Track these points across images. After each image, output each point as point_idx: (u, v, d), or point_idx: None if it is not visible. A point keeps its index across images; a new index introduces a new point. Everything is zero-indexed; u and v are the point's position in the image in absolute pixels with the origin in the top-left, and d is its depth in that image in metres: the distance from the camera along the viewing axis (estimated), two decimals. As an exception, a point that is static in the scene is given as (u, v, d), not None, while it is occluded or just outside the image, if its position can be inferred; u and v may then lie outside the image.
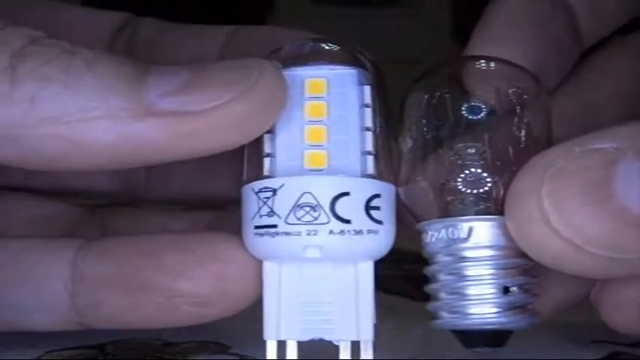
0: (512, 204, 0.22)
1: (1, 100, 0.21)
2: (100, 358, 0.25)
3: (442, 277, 0.23)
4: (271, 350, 0.23)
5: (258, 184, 0.23)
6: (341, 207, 0.22)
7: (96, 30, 0.30)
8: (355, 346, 0.23)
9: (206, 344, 0.26)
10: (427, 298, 0.24)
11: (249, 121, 0.22)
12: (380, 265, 0.24)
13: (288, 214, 0.22)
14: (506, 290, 0.23)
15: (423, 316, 0.24)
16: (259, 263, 0.23)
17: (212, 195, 0.29)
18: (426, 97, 0.24)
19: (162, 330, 0.27)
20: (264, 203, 0.23)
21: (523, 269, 0.23)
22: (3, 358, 0.25)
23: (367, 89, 0.24)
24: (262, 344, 0.26)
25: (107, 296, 0.24)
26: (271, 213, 0.22)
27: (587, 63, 0.29)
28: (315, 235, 0.22)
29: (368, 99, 0.23)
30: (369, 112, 0.23)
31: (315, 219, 0.22)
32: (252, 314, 0.23)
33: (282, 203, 0.22)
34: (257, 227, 0.23)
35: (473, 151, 0.23)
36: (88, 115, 0.21)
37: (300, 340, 0.23)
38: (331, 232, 0.22)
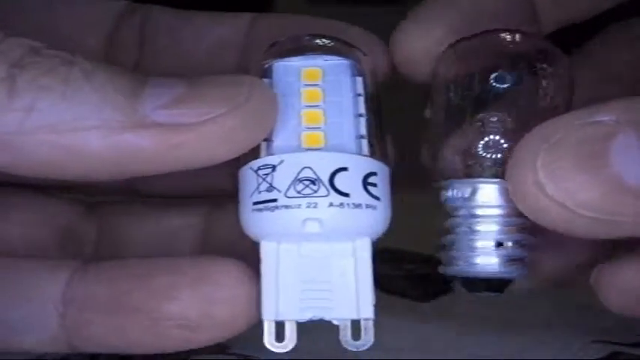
0: (512, 172, 0.23)
1: None
2: (99, 358, 0.25)
3: (454, 230, 0.24)
4: (269, 331, 0.23)
5: (257, 163, 0.23)
6: (339, 181, 0.23)
7: (97, 18, 0.30)
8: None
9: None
10: (427, 298, 0.24)
11: (238, 135, 0.22)
12: (380, 265, 0.23)
13: (288, 188, 0.22)
14: (502, 244, 0.24)
15: (423, 316, 0.24)
16: (251, 288, 0.23)
17: (209, 187, 0.29)
18: (454, 66, 0.25)
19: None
20: (264, 179, 0.23)
21: (522, 227, 0.24)
22: (3, 358, 0.25)
23: (359, 80, 0.24)
24: (263, 344, 0.26)
25: (95, 318, 0.24)
26: (271, 188, 0.23)
27: (584, 48, 0.29)
28: (315, 207, 0.22)
29: (360, 89, 0.24)
30: (361, 100, 0.24)
31: (315, 192, 0.22)
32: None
33: (282, 178, 0.23)
34: (256, 203, 0.23)
35: (495, 119, 0.24)
36: (81, 125, 0.21)
37: (299, 319, 0.23)
38: (331, 204, 0.22)
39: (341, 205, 0.22)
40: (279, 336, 0.23)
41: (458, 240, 0.24)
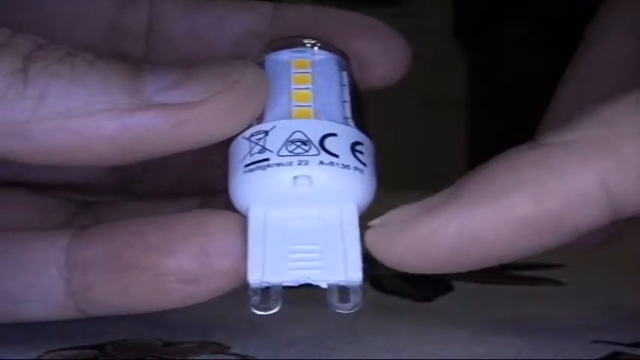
0: None
1: (14, 98, 0.22)
2: (100, 358, 0.25)
3: None
4: (254, 296, 0.23)
5: (249, 131, 0.24)
6: (329, 144, 0.24)
7: (95, 4, 0.30)
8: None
9: (206, 344, 0.26)
10: (427, 298, 0.24)
11: (237, 109, 0.23)
12: (380, 265, 0.24)
13: (280, 148, 0.23)
14: None
15: (423, 316, 0.24)
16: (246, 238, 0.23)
17: (205, 185, 0.29)
18: None
19: (162, 329, 0.27)
20: (256, 143, 0.24)
21: None
22: (2, 358, 0.25)
23: (344, 74, 0.26)
24: (263, 344, 0.26)
25: (97, 279, 0.24)
26: (263, 150, 0.24)
27: None
28: (305, 165, 0.23)
29: (345, 81, 0.26)
30: (346, 89, 0.25)
31: (306, 151, 0.23)
32: (251, 314, 0.23)
33: (275, 140, 0.24)
34: (248, 165, 0.24)
35: None
36: (91, 109, 0.23)
37: (286, 283, 0.23)
38: (321, 162, 0.23)
39: (331, 163, 0.23)
40: (264, 300, 0.23)
41: None
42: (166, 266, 0.24)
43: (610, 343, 0.26)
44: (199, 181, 0.30)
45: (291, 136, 0.24)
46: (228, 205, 0.24)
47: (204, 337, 0.27)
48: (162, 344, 0.26)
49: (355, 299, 0.23)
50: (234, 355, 0.25)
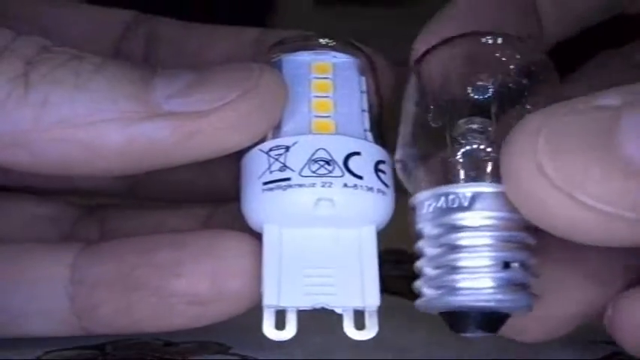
0: (507, 164, 0.20)
1: (15, 105, 0.22)
2: (99, 358, 0.25)
3: (431, 250, 0.22)
4: (269, 320, 0.22)
5: (268, 144, 0.23)
6: (353, 164, 0.23)
7: (104, 27, 0.30)
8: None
9: (206, 344, 0.26)
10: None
11: (252, 119, 0.22)
12: (381, 266, 0.23)
13: (303, 168, 0.22)
14: (506, 265, 0.21)
15: (424, 316, 0.24)
16: (258, 261, 0.23)
17: (211, 191, 0.29)
18: (432, 71, 0.23)
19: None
20: (276, 160, 0.23)
21: (525, 244, 0.21)
22: (2, 358, 0.25)
23: (364, 79, 0.25)
24: (263, 344, 0.26)
25: (103, 297, 0.24)
26: (284, 167, 0.23)
27: (578, 71, 0.29)
28: (329, 187, 0.22)
29: (364, 87, 0.24)
30: (365, 97, 0.24)
31: (330, 172, 0.22)
32: (252, 314, 0.23)
33: (296, 158, 0.23)
34: (266, 183, 0.23)
35: (476, 127, 0.22)
36: (97, 118, 0.22)
37: (302, 307, 0.23)
38: (345, 185, 0.22)
39: (355, 186, 0.22)
40: (280, 324, 0.23)
41: (439, 262, 0.21)
42: (175, 287, 0.23)
43: (609, 343, 0.26)
44: (207, 187, 0.29)
45: (314, 154, 0.23)
46: (239, 216, 0.24)
47: (204, 337, 0.27)
48: (162, 344, 0.26)
49: (371, 325, 0.23)
50: (234, 355, 0.25)
